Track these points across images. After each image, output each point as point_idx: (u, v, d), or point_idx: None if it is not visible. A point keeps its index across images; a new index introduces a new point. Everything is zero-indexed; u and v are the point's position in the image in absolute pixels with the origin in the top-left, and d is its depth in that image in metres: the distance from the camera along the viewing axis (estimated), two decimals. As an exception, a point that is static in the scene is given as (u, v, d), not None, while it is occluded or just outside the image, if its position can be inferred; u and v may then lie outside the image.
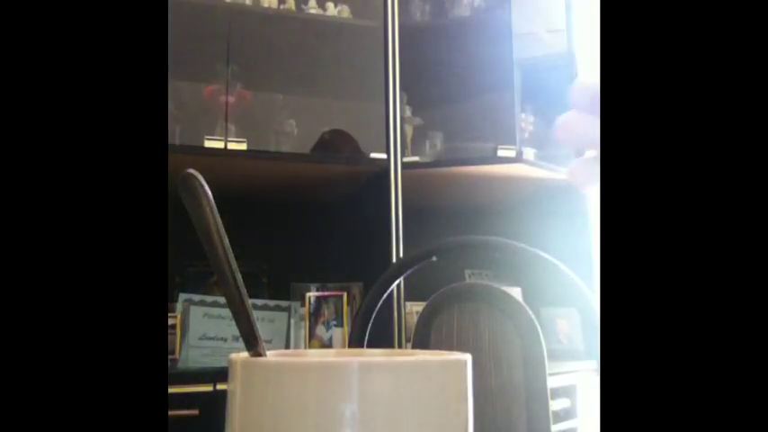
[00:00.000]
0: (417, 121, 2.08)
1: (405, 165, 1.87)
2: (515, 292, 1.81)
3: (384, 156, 1.86)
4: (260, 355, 0.31)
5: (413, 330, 1.03)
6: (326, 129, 1.96)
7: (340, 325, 1.78)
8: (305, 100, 2.16)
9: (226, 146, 1.75)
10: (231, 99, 1.85)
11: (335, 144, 1.93)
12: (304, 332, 1.80)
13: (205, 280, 1.88)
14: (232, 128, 1.81)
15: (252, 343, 0.31)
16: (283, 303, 1.81)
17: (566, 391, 1.72)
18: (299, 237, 2.06)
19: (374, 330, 0.93)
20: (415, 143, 2.05)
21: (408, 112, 2.06)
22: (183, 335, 1.70)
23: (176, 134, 1.79)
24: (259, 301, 1.78)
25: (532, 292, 1.93)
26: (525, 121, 2.07)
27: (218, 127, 1.81)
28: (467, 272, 2.16)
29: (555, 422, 1.02)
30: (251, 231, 1.86)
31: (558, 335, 2.08)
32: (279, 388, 0.27)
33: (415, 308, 1.79)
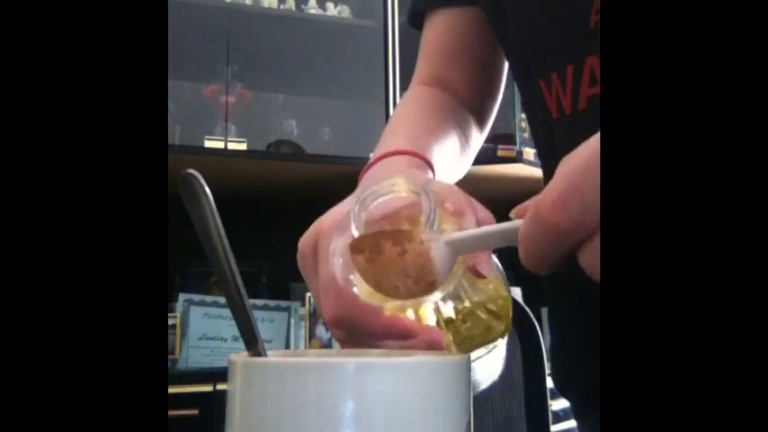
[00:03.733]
0: (417, 121, 2.07)
1: (405, 165, 1.86)
2: (515, 292, 1.81)
3: (384, 156, 1.86)
4: (260, 355, 0.31)
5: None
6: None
7: (340, 325, 1.78)
8: (305, 100, 2.16)
9: (226, 146, 1.75)
10: (231, 99, 1.85)
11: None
12: (304, 332, 1.79)
13: (205, 280, 1.88)
14: (232, 128, 1.81)
15: (252, 343, 0.31)
16: (283, 303, 1.81)
17: (566, 391, 1.72)
18: (298, 237, 2.05)
19: (374, 330, 0.93)
20: (415, 143, 2.04)
21: (408, 112, 2.05)
22: (183, 335, 1.70)
23: (176, 134, 1.79)
24: (259, 301, 1.78)
25: (532, 292, 1.93)
26: (525, 121, 2.07)
27: (218, 127, 1.81)
28: (467, 272, 2.15)
29: (555, 422, 1.02)
30: (251, 231, 1.85)
31: (558, 335, 2.07)
32: (279, 388, 0.27)
33: (414, 308, 1.78)
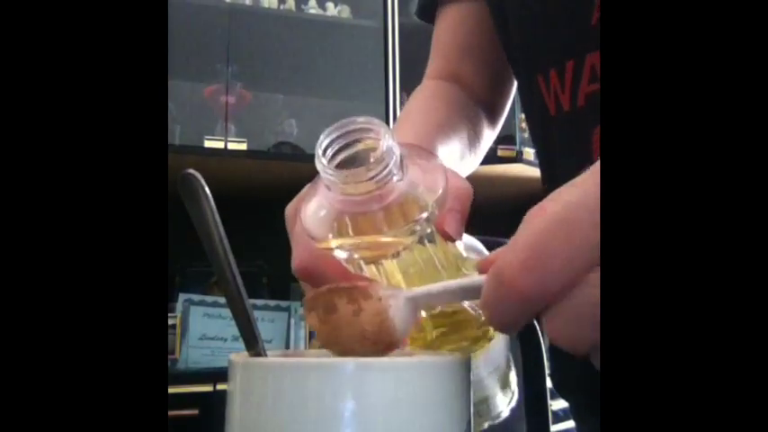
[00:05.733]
0: (417, 121, 2.07)
1: (405, 165, 1.86)
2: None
3: (384, 156, 1.86)
4: (260, 355, 0.31)
5: (413, 330, 1.02)
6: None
7: (340, 325, 1.78)
8: (305, 100, 2.16)
9: (226, 146, 1.75)
10: (231, 99, 1.85)
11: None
12: (304, 332, 1.80)
13: (205, 280, 1.88)
14: (232, 128, 1.81)
15: (252, 343, 0.31)
16: (283, 303, 1.81)
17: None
18: (299, 237, 2.05)
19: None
20: (415, 143, 2.04)
21: (408, 113, 2.05)
22: (183, 335, 1.70)
23: (176, 134, 1.80)
24: (259, 302, 1.78)
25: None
26: (525, 122, 2.07)
27: (218, 127, 1.82)
28: (467, 272, 2.15)
29: (555, 422, 1.02)
30: (251, 231, 1.86)
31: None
32: (279, 388, 0.27)
33: (414, 308, 1.78)
